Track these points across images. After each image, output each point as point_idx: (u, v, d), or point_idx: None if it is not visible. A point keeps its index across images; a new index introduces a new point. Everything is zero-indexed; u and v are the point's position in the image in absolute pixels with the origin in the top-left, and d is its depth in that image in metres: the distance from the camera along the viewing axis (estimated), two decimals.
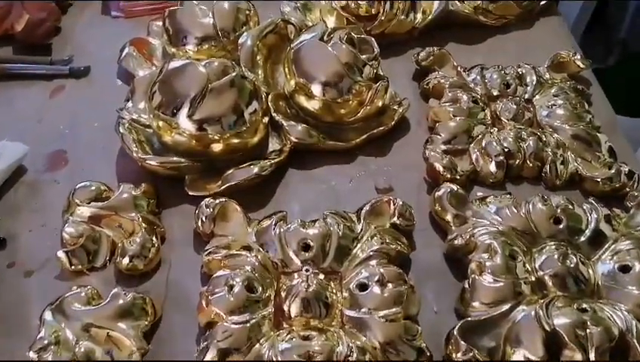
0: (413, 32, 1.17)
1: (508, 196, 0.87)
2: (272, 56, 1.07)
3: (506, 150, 0.92)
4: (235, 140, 0.90)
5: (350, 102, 0.97)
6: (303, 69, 0.97)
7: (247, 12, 1.09)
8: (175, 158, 0.89)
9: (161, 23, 1.13)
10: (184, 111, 0.88)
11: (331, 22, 1.16)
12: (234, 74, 0.90)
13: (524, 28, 1.22)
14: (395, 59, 1.15)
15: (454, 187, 0.87)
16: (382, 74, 1.03)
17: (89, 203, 0.85)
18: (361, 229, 0.82)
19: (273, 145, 0.96)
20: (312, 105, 0.98)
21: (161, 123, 0.89)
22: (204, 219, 0.83)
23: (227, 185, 0.87)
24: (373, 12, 1.13)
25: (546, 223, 0.82)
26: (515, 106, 0.99)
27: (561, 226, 0.81)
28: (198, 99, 0.87)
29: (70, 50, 1.14)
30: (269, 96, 0.98)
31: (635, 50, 1.71)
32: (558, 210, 0.83)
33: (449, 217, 0.85)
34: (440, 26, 1.18)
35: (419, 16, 1.17)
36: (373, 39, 1.03)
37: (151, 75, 1.01)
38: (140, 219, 0.83)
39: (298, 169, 0.95)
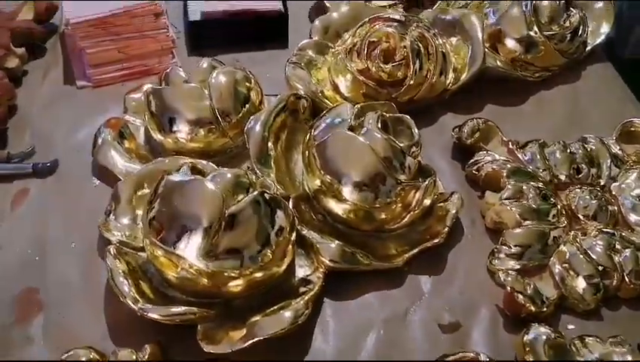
0: (444, 95, 0.98)
1: (613, 340, 0.68)
2: (282, 139, 0.86)
3: (598, 267, 0.74)
4: (259, 274, 0.70)
5: (393, 206, 0.77)
6: (331, 166, 0.77)
7: (248, 84, 0.87)
8: (183, 309, 0.67)
9: (139, 96, 0.92)
10: (194, 245, 0.66)
11: (344, 85, 0.96)
12: (255, 193, 0.69)
13: (570, 80, 1.05)
14: (425, 129, 0.95)
15: (550, 332, 0.68)
16: (424, 162, 0.83)
17: None
18: None
19: (302, 268, 0.75)
20: (343, 210, 0.78)
21: (161, 256, 0.68)
22: None
23: (254, 340, 0.66)
24: (399, 76, 0.93)
25: None
26: (594, 201, 0.81)
27: None
28: (213, 231, 0.66)
29: (30, 138, 0.91)
30: (290, 201, 0.77)
31: None
32: None
33: None
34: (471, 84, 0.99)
35: (450, 75, 0.98)
36: (409, 119, 0.83)
37: (138, 177, 0.79)
38: None
39: (334, 299, 0.75)
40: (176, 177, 0.69)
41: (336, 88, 0.97)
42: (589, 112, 1.00)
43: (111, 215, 0.76)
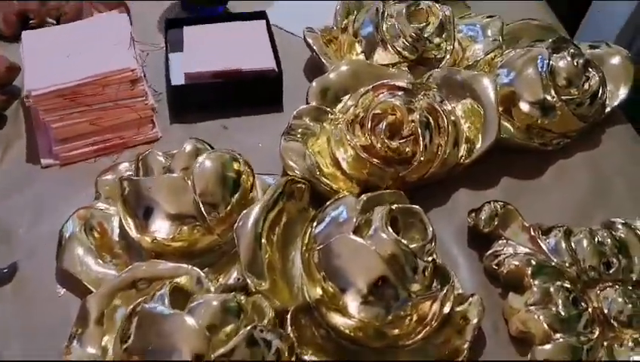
0: (455, 170, 0.88)
1: None
2: (278, 233, 0.75)
3: None
4: None
5: (406, 321, 0.67)
6: (334, 274, 0.67)
7: (236, 166, 0.77)
8: None
9: (114, 177, 0.81)
10: None
11: (344, 160, 0.85)
12: (247, 330, 0.58)
13: (590, 146, 0.96)
14: (436, 210, 0.85)
15: None
16: (439, 261, 0.73)
17: None
18: None
19: None
20: (349, 327, 0.68)
21: None
22: None
23: None
24: (407, 152, 0.83)
25: None
26: (629, 305, 0.71)
27: None
28: None
29: None
30: (289, 316, 0.67)
31: None
32: None
33: None
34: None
35: (463, 148, 0.88)
36: (420, 211, 0.73)
37: (108, 291, 0.68)
38: None
39: None
40: (152, 307, 0.58)
41: (336, 163, 0.86)
42: (612, 181, 0.91)
43: (75, 341, 0.65)
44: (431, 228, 0.71)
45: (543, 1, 1.22)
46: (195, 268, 0.70)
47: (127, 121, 0.88)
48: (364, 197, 0.73)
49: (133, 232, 0.73)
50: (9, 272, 0.74)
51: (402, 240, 0.67)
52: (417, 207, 0.73)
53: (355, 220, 0.69)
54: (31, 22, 1.03)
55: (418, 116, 0.82)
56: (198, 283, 0.69)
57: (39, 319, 0.71)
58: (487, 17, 1.06)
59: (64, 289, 0.73)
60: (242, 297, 0.63)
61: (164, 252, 0.74)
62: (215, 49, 0.97)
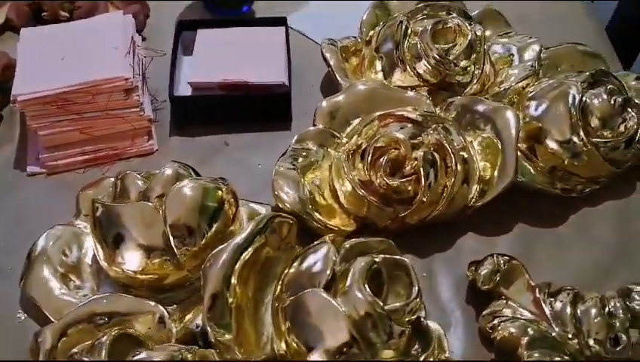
0: (464, 212, 0.80)
1: None
2: (253, 277, 0.69)
3: None
4: None
5: None
6: (299, 331, 0.62)
7: (219, 196, 0.71)
8: None
9: (94, 193, 0.77)
10: None
11: (343, 194, 0.79)
12: None
13: (621, 194, 0.86)
14: (438, 255, 0.78)
15: None
16: (422, 317, 0.66)
17: None
18: None
19: None
20: None
21: None
22: None
23: None
24: (409, 192, 0.76)
25: None
26: None
27: None
28: None
29: None
30: None
31: None
32: None
33: None
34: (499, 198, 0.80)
35: (474, 189, 0.80)
36: (408, 264, 0.66)
37: (62, 326, 0.65)
38: None
39: None
40: None
41: (335, 195, 0.80)
42: None
43: None
44: (417, 287, 0.65)
45: (599, 25, 1.11)
46: (158, 306, 0.66)
47: (120, 132, 0.84)
48: (347, 244, 0.67)
49: (101, 260, 0.69)
50: None
51: (378, 302, 0.61)
52: (405, 260, 0.67)
53: (328, 273, 0.63)
54: (44, 14, 1.00)
55: (422, 153, 0.75)
56: (161, 322, 0.65)
57: None
58: (526, 39, 0.96)
59: (25, 315, 0.70)
60: (189, 354, 0.58)
61: (132, 284, 0.70)
62: (225, 57, 0.92)
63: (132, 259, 0.68)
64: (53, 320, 0.67)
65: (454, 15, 0.91)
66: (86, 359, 0.54)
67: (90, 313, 0.65)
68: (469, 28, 0.90)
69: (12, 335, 0.69)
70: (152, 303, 0.66)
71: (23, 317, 0.70)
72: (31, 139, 0.85)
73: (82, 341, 0.63)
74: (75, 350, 0.59)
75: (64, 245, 0.73)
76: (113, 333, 0.58)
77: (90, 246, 0.74)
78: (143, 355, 0.57)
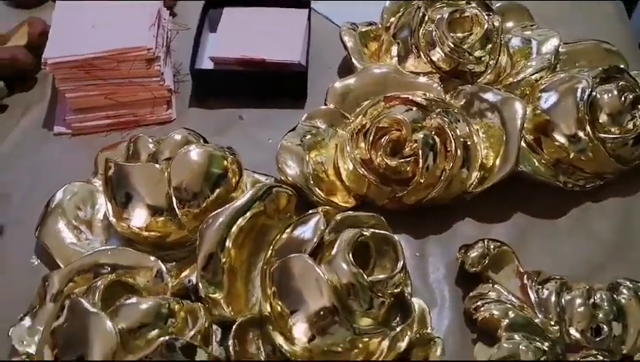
0: (463, 197, 0.82)
1: None
2: (248, 241, 0.73)
3: None
4: None
5: (351, 353, 0.64)
6: (283, 295, 0.65)
7: (224, 165, 0.75)
8: None
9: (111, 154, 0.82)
10: None
11: (345, 174, 0.82)
12: (162, 340, 0.57)
13: (625, 192, 0.86)
14: (433, 237, 0.80)
15: None
16: (407, 292, 0.69)
17: None
18: None
19: None
20: (293, 351, 0.66)
21: None
22: None
23: None
24: (407, 172, 0.78)
25: None
26: None
27: None
28: None
29: None
30: (233, 328, 0.65)
31: None
32: None
33: None
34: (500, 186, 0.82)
35: (474, 175, 0.82)
36: (397, 241, 0.69)
37: (69, 272, 0.70)
38: None
39: None
40: (78, 301, 0.59)
41: (338, 173, 0.83)
42: None
43: (27, 317, 0.67)
44: (402, 262, 0.68)
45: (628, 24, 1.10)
46: (158, 261, 0.70)
47: (141, 100, 0.89)
48: (338, 216, 0.70)
49: (110, 216, 0.74)
50: None
51: (360, 272, 0.64)
52: (394, 236, 0.69)
53: (315, 241, 0.66)
54: None
55: (422, 136, 0.77)
56: (158, 276, 0.69)
57: (8, 285, 0.74)
58: (547, 32, 0.97)
59: (38, 261, 0.75)
60: (177, 305, 0.62)
61: (136, 239, 0.74)
62: (247, 34, 0.96)
63: (138, 217, 0.72)
64: (62, 267, 0.72)
65: (473, 5, 0.92)
66: (81, 298, 0.58)
67: (95, 262, 0.69)
68: (486, 18, 0.91)
69: (25, 277, 0.74)
70: (153, 258, 0.70)
71: (36, 263, 0.76)
72: (59, 101, 0.90)
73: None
74: (75, 291, 0.63)
75: (79, 200, 0.78)
76: (109, 278, 0.62)
77: (103, 203, 0.78)
78: (132, 300, 0.61)
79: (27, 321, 0.67)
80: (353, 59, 0.95)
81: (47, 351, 0.59)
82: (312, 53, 0.95)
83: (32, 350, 0.64)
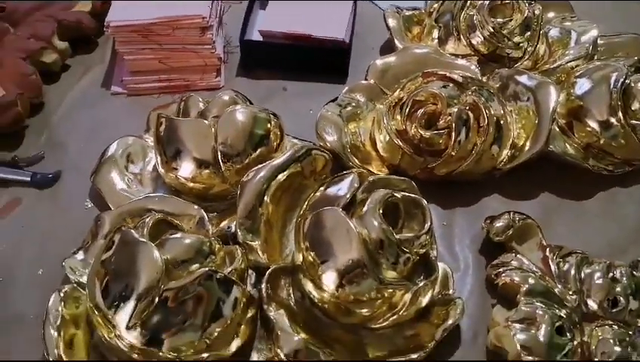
0: (491, 173, 0.85)
1: None
2: (285, 197, 0.78)
3: None
4: (204, 355, 0.64)
5: (374, 305, 0.68)
6: (316, 245, 0.69)
7: (268, 125, 0.80)
8: None
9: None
10: (125, 314, 0.61)
11: (380, 144, 0.86)
12: (202, 271, 0.62)
13: None
14: (461, 209, 0.84)
15: None
16: (433, 255, 0.73)
17: None
18: None
19: (259, 352, 0.69)
20: (321, 298, 0.70)
21: (99, 316, 0.63)
22: None
23: None
24: (440, 144, 0.82)
25: None
26: (618, 348, 0.68)
27: None
28: (145, 304, 0.61)
29: (45, 141, 0.89)
30: (267, 273, 0.70)
31: None
32: None
33: None
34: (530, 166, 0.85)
35: (505, 153, 0.85)
36: (426, 205, 0.72)
37: (120, 213, 0.75)
38: None
39: None
40: (128, 232, 0.64)
41: (374, 143, 0.87)
42: None
43: (80, 251, 0.73)
44: (429, 223, 0.71)
45: None
46: (201, 209, 0.75)
47: (193, 66, 0.94)
48: (371, 178, 0.74)
49: (159, 167, 0.80)
50: (52, 178, 0.84)
51: (389, 229, 0.68)
52: (422, 199, 0.73)
53: (348, 196, 0.70)
54: None
55: (457, 110, 0.81)
56: (200, 223, 0.74)
57: (63, 227, 0.80)
58: (586, 24, 0.99)
59: (92, 204, 0.81)
60: (217, 245, 0.67)
61: (182, 190, 0.80)
62: (295, 11, 1.00)
63: (185, 168, 0.78)
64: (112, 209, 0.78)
65: None
66: (131, 229, 0.64)
67: (143, 207, 0.75)
68: (527, 6, 0.94)
69: (79, 218, 0.80)
70: (196, 207, 0.75)
71: (89, 206, 0.82)
72: (117, 64, 0.97)
73: None
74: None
75: (131, 153, 0.84)
76: (157, 216, 0.68)
77: (153, 157, 0.84)
78: (177, 235, 0.66)
79: (80, 255, 0.73)
80: (395, 40, 0.99)
81: (96, 281, 0.65)
82: (356, 34, 1.00)
83: (83, 280, 0.70)
